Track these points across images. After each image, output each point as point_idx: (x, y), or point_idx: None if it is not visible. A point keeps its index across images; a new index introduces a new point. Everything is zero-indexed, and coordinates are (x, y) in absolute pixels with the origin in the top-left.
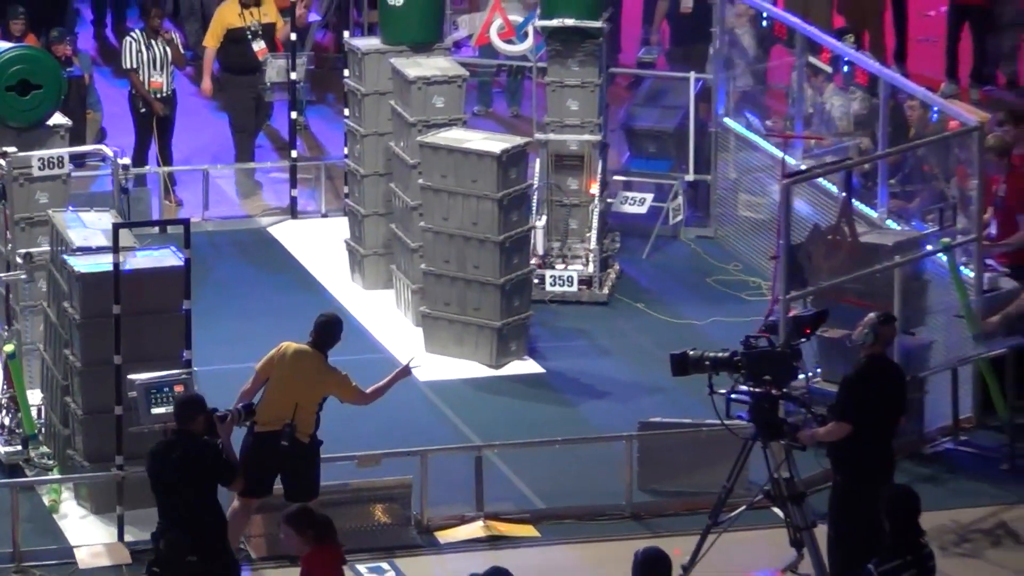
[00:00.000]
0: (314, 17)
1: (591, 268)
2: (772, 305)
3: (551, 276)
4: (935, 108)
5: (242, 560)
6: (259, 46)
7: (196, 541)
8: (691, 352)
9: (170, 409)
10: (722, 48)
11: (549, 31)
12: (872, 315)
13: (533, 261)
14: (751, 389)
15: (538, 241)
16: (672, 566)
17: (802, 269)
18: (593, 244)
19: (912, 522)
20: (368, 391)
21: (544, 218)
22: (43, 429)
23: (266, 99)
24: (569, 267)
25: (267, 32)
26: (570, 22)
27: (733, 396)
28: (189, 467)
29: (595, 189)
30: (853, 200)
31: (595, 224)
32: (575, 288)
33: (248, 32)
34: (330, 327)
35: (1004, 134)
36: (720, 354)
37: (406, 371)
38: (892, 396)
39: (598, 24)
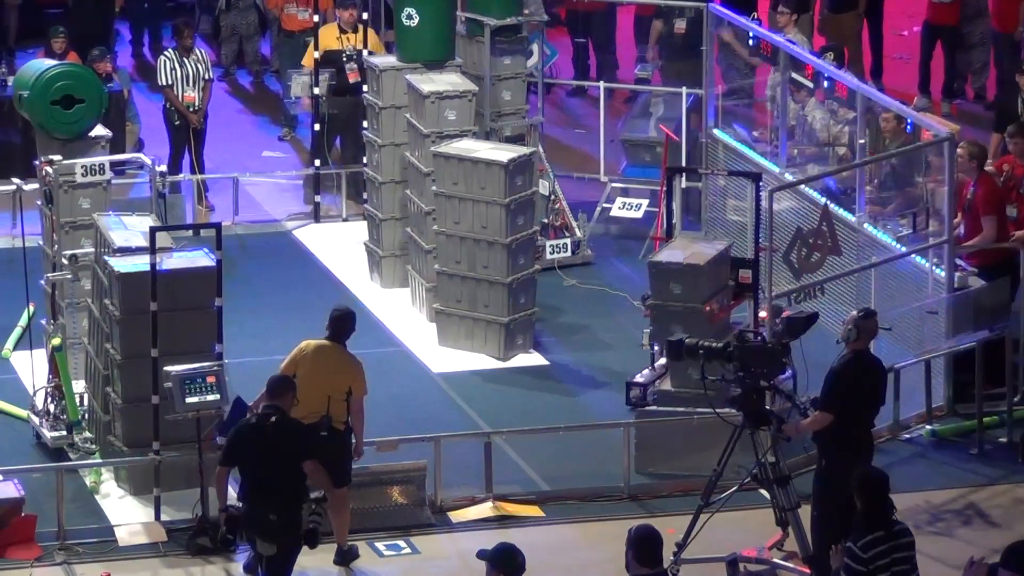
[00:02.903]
0: None
1: (580, 233)
2: None
3: (551, 245)
4: (910, 120)
5: None
6: (352, 69)
7: (277, 504)
8: (687, 339)
9: (203, 398)
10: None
11: (494, 29)
12: (854, 312)
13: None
14: (741, 380)
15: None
16: (663, 543)
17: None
18: (569, 213)
19: (881, 500)
20: (361, 412)
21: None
22: (86, 416)
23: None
24: (561, 237)
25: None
26: (521, 19)
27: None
28: (279, 436)
29: (544, 165)
30: (833, 205)
31: (562, 195)
32: (570, 253)
33: (344, 55)
34: (344, 320)
35: (1010, 142)
36: (714, 344)
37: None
38: (872, 389)
39: (544, 18)
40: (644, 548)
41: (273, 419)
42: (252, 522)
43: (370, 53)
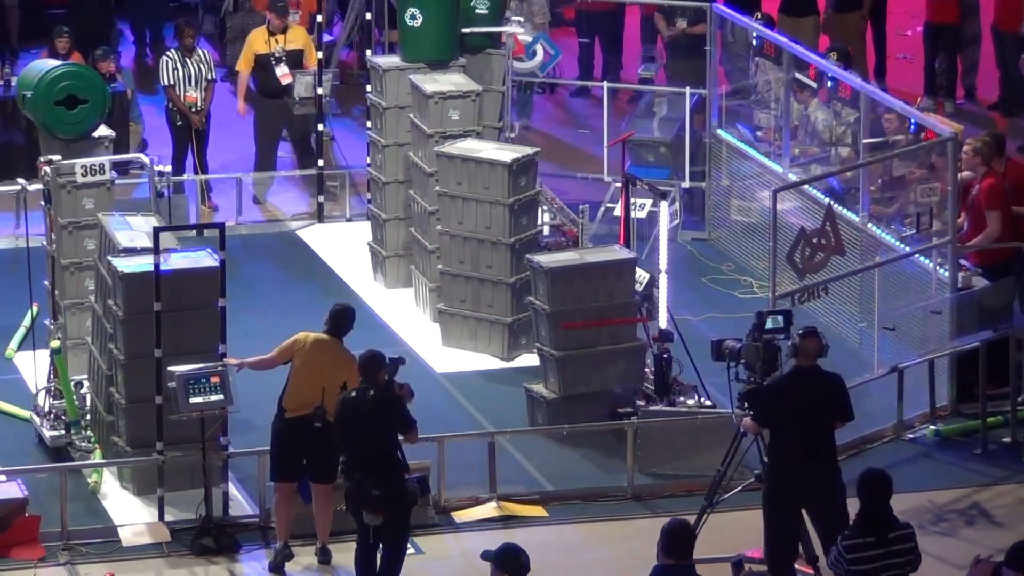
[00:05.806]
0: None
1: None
2: None
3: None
4: (913, 120)
5: (270, 539)
6: (282, 71)
7: (378, 478)
8: (726, 341)
9: (207, 398)
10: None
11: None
12: (795, 332)
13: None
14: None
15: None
16: (695, 538)
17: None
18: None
19: (879, 502)
20: None
21: None
22: (87, 416)
23: (295, 112)
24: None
25: (294, 57)
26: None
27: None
28: (378, 411)
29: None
30: (836, 205)
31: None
32: None
33: (272, 58)
34: (344, 315)
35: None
36: (736, 345)
37: None
38: (815, 405)
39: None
40: (671, 540)
41: (372, 393)
42: (356, 496)
43: (291, 51)
